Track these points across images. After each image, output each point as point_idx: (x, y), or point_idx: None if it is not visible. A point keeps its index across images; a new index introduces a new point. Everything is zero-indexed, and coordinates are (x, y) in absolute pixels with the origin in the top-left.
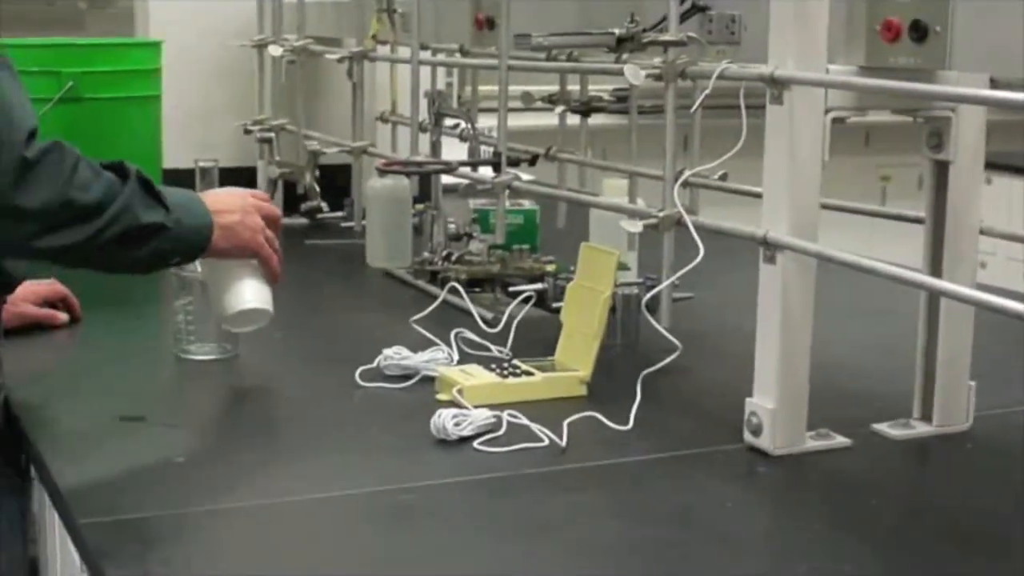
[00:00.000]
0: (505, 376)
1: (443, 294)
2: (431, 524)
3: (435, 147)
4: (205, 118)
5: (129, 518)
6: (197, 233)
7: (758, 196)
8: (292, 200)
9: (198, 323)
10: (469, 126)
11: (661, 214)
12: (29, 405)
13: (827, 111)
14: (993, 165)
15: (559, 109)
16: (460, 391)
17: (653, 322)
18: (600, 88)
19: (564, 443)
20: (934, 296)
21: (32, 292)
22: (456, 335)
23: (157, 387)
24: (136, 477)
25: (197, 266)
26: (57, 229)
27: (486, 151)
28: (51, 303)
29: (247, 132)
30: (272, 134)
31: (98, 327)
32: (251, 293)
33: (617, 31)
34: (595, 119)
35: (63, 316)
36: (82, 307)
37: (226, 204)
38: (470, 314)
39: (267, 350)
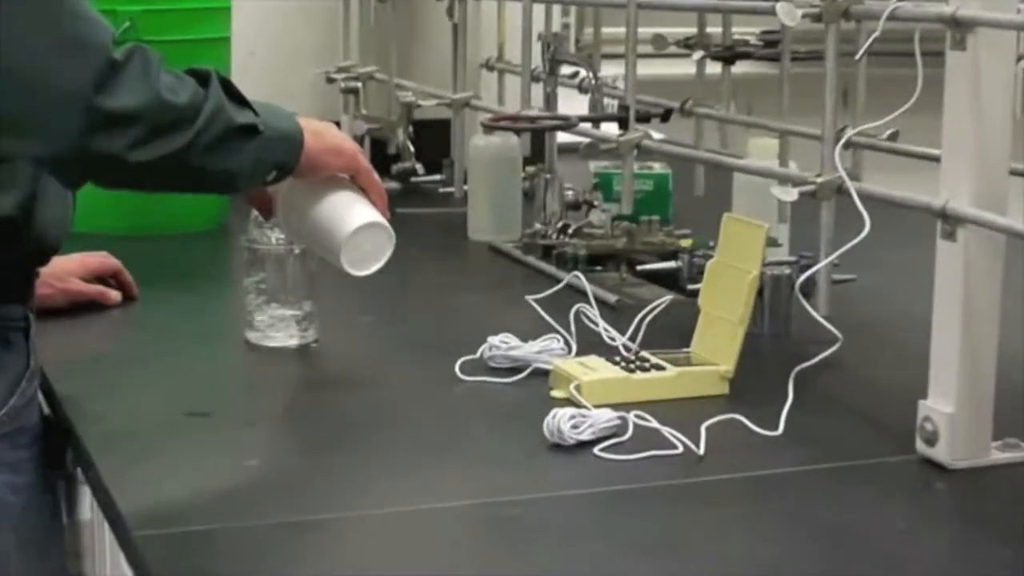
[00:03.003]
0: (632, 371)
1: (567, 278)
2: (545, 543)
3: (550, 100)
4: (281, 64)
5: (193, 530)
6: (288, 136)
7: (935, 160)
8: (382, 161)
9: (272, 304)
10: (590, 75)
11: (819, 180)
12: (75, 398)
13: (1020, 59)
14: None
15: (697, 55)
16: (578, 387)
17: (808, 308)
18: (746, 30)
19: (702, 450)
20: None
21: (81, 265)
22: (574, 322)
23: (225, 378)
24: (202, 483)
25: (272, 237)
26: (153, 137)
27: (610, 104)
28: (102, 279)
29: (330, 81)
30: (359, 83)
31: (156, 307)
32: (366, 209)
33: None
34: (740, 67)
35: (116, 294)
36: (138, 284)
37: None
38: (591, 297)
39: (352, 337)
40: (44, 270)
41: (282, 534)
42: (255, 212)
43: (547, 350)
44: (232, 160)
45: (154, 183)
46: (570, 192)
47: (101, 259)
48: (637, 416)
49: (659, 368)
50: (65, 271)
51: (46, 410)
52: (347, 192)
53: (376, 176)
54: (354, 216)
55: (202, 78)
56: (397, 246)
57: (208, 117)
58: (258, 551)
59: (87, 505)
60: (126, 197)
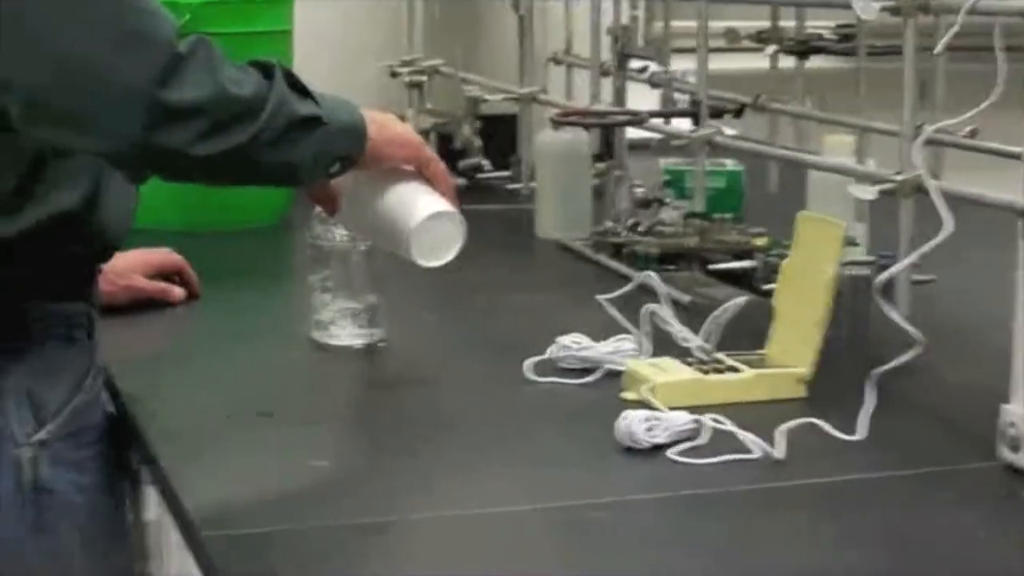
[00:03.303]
0: (706, 372)
1: (639, 278)
2: (617, 548)
3: (619, 94)
4: (344, 57)
5: (258, 532)
6: (352, 128)
7: (1015, 157)
8: (447, 157)
9: (337, 302)
10: (661, 69)
11: (898, 178)
12: (139, 395)
13: None
14: None
15: (770, 49)
16: (652, 389)
17: (888, 310)
18: (820, 24)
19: (779, 455)
20: None
21: (143, 262)
22: (646, 322)
23: (289, 377)
24: (266, 484)
25: (336, 233)
26: (218, 131)
27: (681, 100)
28: (165, 276)
29: (394, 75)
30: (424, 77)
31: (218, 305)
32: (434, 199)
33: None
34: (814, 61)
35: (179, 291)
36: (201, 281)
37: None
38: (663, 297)
39: (419, 336)
40: (106, 267)
41: (348, 536)
42: (318, 208)
43: (618, 351)
44: (295, 153)
45: (216, 176)
46: (640, 189)
47: (163, 255)
48: (712, 419)
49: (734, 370)
50: (127, 268)
51: (110, 408)
52: (414, 183)
53: (443, 166)
54: (422, 205)
55: (265, 70)
56: (465, 246)
57: (272, 110)
58: (323, 553)
59: (152, 505)
60: (185, 192)
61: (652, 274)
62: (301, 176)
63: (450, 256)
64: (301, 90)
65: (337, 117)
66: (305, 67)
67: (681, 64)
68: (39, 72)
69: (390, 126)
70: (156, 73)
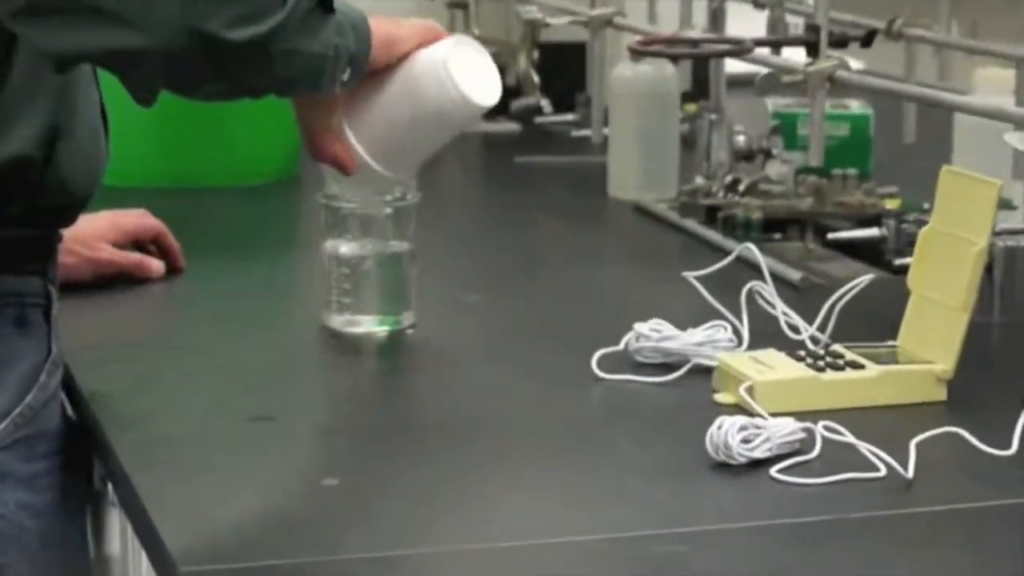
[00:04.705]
0: (820, 369)
1: (737, 250)
2: None
3: (716, 17)
4: None
5: (254, 567)
6: (357, 23)
7: None
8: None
9: (356, 278)
10: None
11: None
12: (106, 395)
13: None
14: None
15: None
16: (751, 390)
17: None
18: None
19: (911, 474)
20: None
21: (114, 227)
22: (746, 305)
23: (297, 373)
24: (265, 507)
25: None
26: (254, 15)
27: (795, 25)
28: (141, 245)
29: None
30: None
31: (208, 282)
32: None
33: None
34: None
35: (158, 265)
36: (185, 250)
37: None
38: (767, 274)
39: (457, 322)
40: (68, 233)
41: (366, 572)
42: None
43: (710, 341)
44: (320, 41)
45: (247, 72)
46: (742, 138)
47: (137, 218)
48: (827, 428)
49: (856, 366)
50: (94, 235)
51: (69, 411)
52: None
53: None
54: (438, 47)
55: None
56: (519, 203)
57: None
58: None
59: (118, 532)
60: (168, 140)
61: (752, 246)
62: (326, 74)
63: (498, 91)
64: None
65: (342, 10)
66: None
67: None
68: None
69: (382, 16)
70: None
